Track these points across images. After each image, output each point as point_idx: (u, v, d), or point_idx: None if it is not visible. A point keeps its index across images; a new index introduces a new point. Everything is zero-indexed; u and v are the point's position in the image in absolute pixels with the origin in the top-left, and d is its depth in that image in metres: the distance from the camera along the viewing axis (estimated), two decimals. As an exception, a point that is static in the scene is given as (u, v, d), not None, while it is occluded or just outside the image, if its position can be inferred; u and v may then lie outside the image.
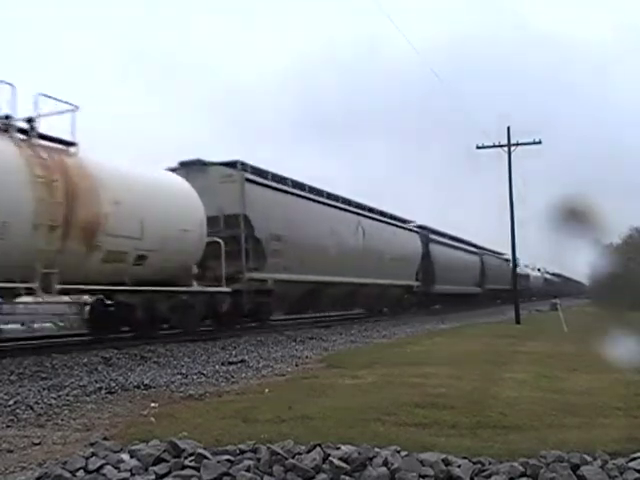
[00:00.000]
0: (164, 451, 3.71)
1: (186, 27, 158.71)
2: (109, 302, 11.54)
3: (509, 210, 22.01)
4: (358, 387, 6.41)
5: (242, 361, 9.03)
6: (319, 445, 3.65)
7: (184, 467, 3.53)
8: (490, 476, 3.37)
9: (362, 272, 20.26)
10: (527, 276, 54.76)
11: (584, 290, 73.86)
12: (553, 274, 74.40)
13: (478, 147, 22.97)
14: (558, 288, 71.75)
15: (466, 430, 4.41)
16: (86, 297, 11.58)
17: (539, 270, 68.26)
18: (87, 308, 12.00)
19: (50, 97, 9.61)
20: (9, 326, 16.68)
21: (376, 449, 3.64)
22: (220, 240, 13.03)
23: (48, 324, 17.16)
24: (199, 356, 9.86)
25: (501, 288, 43.00)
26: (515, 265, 24.73)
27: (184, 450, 3.69)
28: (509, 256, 46.83)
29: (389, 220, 25.20)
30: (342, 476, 3.42)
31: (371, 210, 23.44)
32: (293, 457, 3.56)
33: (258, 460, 3.56)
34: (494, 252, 44.77)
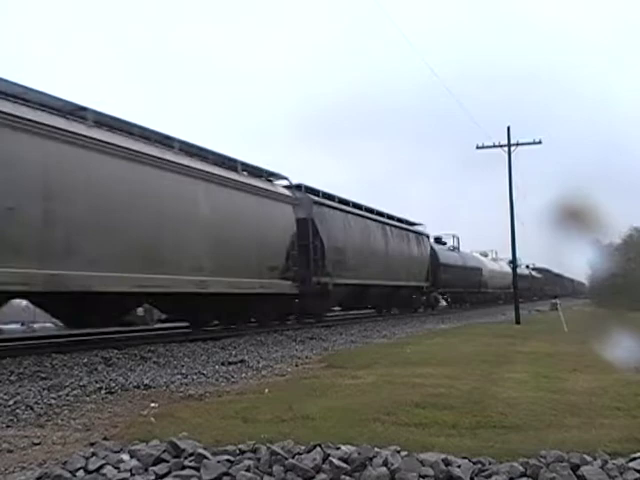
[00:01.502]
0: (164, 451, 3.71)
1: (189, 27, 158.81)
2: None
3: (509, 210, 22.00)
4: (358, 387, 6.41)
5: (242, 361, 9.03)
6: (319, 445, 3.65)
7: (184, 467, 3.53)
8: (490, 476, 3.37)
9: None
10: (478, 269, 39.01)
11: (580, 289, 69.65)
12: (535, 269, 59.54)
13: (478, 147, 22.98)
14: (541, 286, 59.67)
15: (466, 430, 4.41)
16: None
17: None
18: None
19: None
20: (9, 326, 16.70)
21: (376, 449, 3.64)
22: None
23: (48, 324, 17.16)
24: (199, 356, 9.86)
25: (395, 285, 24.02)
26: (515, 265, 24.69)
27: (184, 450, 3.69)
28: (428, 230, 29.45)
29: None
30: (342, 476, 3.42)
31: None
32: (293, 457, 3.56)
33: (258, 460, 3.56)
34: (365, 210, 22.42)
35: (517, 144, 22.16)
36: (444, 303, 34.95)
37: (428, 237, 30.30)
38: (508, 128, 22.32)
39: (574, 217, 7.88)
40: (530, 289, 52.64)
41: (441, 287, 31.38)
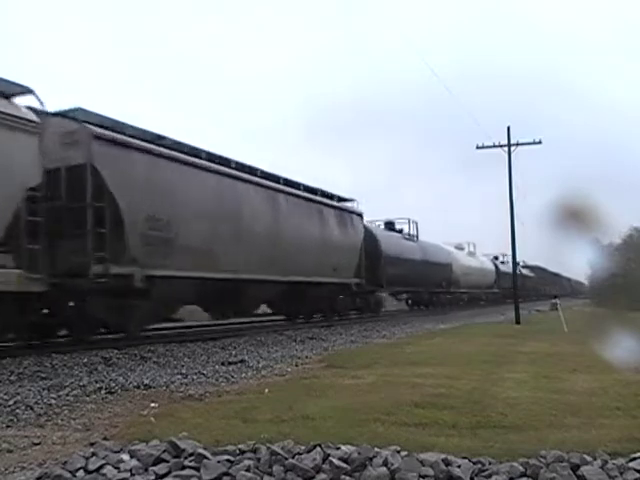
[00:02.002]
0: (164, 451, 3.71)
1: (189, 28, 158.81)
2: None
3: (509, 210, 22.00)
4: (358, 387, 6.41)
5: (242, 361, 9.03)
6: (319, 445, 3.65)
7: (184, 467, 3.53)
8: (490, 476, 3.37)
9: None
10: (446, 265, 31.52)
11: (578, 289, 68.03)
12: (526, 266, 52.79)
13: (478, 147, 22.96)
14: (534, 286, 54.46)
15: (466, 430, 4.41)
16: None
17: (497, 259, 45.00)
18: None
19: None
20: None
21: (376, 449, 3.64)
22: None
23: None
24: (199, 356, 9.86)
25: (294, 281, 15.83)
26: (515, 265, 24.68)
27: (184, 450, 3.69)
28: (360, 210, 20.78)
29: None
30: (342, 476, 3.42)
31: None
32: (293, 457, 3.57)
33: (258, 460, 3.56)
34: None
35: (517, 144, 22.16)
36: (404, 306, 29.23)
37: (361, 217, 21.01)
38: (508, 128, 22.33)
39: (574, 217, 7.89)
40: (521, 289, 46.95)
41: (387, 285, 23.08)
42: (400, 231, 27.11)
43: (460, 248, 37.78)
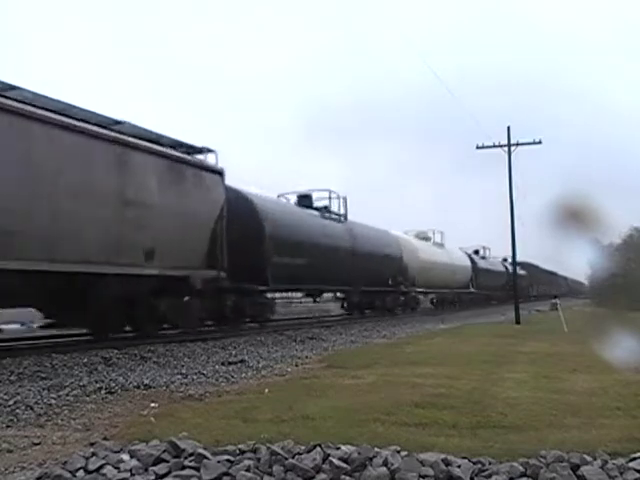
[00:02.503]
0: (164, 451, 3.71)
1: (189, 28, 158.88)
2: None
3: (509, 210, 22.01)
4: (358, 387, 6.41)
5: (242, 361, 9.03)
6: (319, 445, 3.65)
7: (184, 467, 3.53)
8: (490, 476, 3.37)
9: None
10: (393, 257, 24.26)
11: (577, 289, 66.90)
12: (518, 263, 40.29)
13: (478, 147, 22.97)
14: (526, 285, 47.54)
15: (466, 430, 4.41)
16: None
17: (477, 253, 39.81)
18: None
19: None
20: (9, 326, 16.69)
21: (376, 449, 3.64)
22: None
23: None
24: (199, 356, 9.86)
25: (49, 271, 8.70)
26: (515, 265, 24.70)
27: (184, 450, 3.69)
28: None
29: None
30: (342, 476, 3.42)
31: None
32: (293, 457, 3.56)
33: (258, 460, 3.56)
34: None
35: (517, 144, 22.18)
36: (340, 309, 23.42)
37: (222, 175, 13.30)
38: (508, 128, 22.35)
39: (574, 217, 7.89)
40: (506, 288, 39.35)
41: (278, 282, 15.71)
42: (325, 209, 19.84)
43: (424, 238, 30.86)
